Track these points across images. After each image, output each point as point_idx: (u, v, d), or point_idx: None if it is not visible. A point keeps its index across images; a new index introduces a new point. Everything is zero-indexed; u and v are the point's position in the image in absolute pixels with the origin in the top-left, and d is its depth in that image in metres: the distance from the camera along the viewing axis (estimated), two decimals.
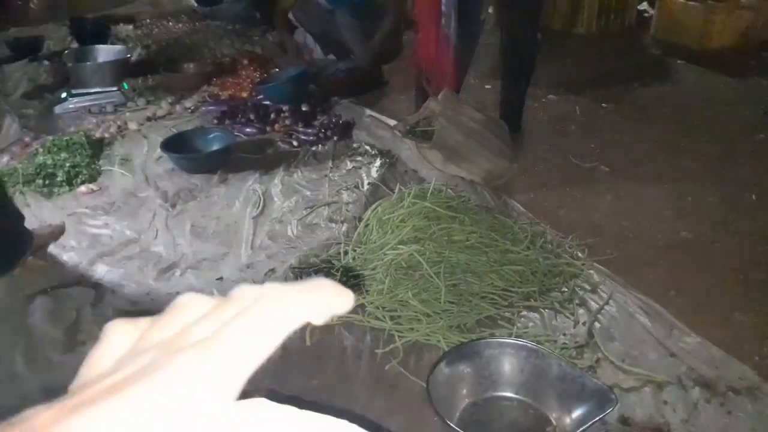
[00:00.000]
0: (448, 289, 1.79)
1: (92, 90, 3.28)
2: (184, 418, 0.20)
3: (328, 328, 1.73)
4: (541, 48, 2.88)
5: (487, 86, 3.45)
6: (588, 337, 1.71)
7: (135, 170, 2.66)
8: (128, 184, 2.56)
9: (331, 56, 3.75)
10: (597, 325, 1.76)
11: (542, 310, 1.81)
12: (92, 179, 2.58)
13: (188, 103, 3.29)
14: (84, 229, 2.25)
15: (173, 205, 2.39)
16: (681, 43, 4.05)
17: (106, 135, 2.93)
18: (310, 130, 2.91)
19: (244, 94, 3.36)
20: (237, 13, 4.81)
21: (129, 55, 3.73)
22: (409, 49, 3.38)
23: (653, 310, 1.80)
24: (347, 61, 3.57)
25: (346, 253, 2.02)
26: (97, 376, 0.22)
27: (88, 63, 3.51)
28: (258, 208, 2.35)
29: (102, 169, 2.67)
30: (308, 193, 2.47)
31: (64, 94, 3.26)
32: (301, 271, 1.98)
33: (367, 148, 2.78)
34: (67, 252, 2.11)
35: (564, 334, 1.73)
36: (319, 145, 2.83)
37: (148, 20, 4.77)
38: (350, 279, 1.88)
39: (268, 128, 2.98)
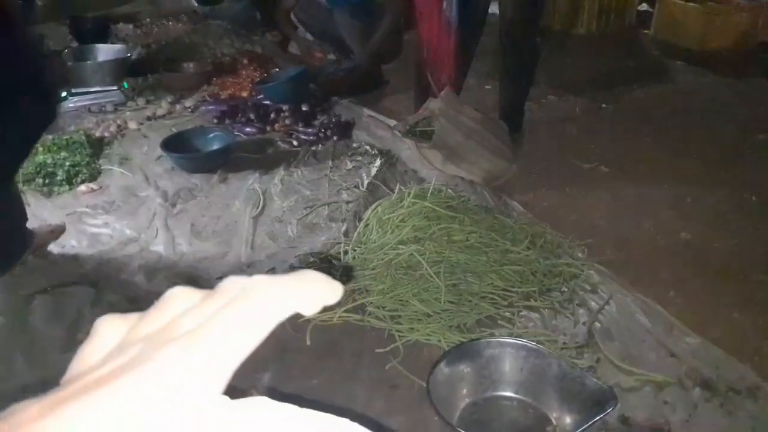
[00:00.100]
0: (448, 288, 1.79)
1: (92, 89, 3.28)
2: (172, 410, 0.20)
3: (328, 328, 1.73)
4: (542, 52, 2.87)
5: (487, 86, 3.45)
6: (588, 337, 1.71)
7: (135, 169, 2.66)
8: (128, 183, 2.56)
9: (331, 56, 3.76)
10: (597, 325, 1.76)
11: (542, 310, 1.80)
12: (92, 178, 2.58)
13: (188, 103, 3.28)
14: (84, 228, 2.25)
15: (173, 205, 2.39)
16: (680, 44, 4.05)
17: (106, 134, 2.93)
18: (310, 130, 2.91)
19: (244, 94, 3.36)
20: (237, 13, 4.80)
21: (129, 55, 3.72)
22: (409, 49, 3.37)
23: (653, 310, 1.80)
24: (347, 61, 3.57)
25: (346, 252, 2.02)
26: (86, 369, 0.22)
27: (88, 62, 3.51)
28: (258, 207, 2.35)
29: (102, 168, 2.66)
30: (308, 192, 2.47)
31: (63, 93, 3.26)
32: None
33: (367, 147, 2.78)
34: (67, 251, 2.11)
35: (564, 334, 1.73)
36: (319, 145, 2.83)
37: (148, 20, 4.76)
38: (350, 279, 1.88)
39: (268, 128, 2.97)
